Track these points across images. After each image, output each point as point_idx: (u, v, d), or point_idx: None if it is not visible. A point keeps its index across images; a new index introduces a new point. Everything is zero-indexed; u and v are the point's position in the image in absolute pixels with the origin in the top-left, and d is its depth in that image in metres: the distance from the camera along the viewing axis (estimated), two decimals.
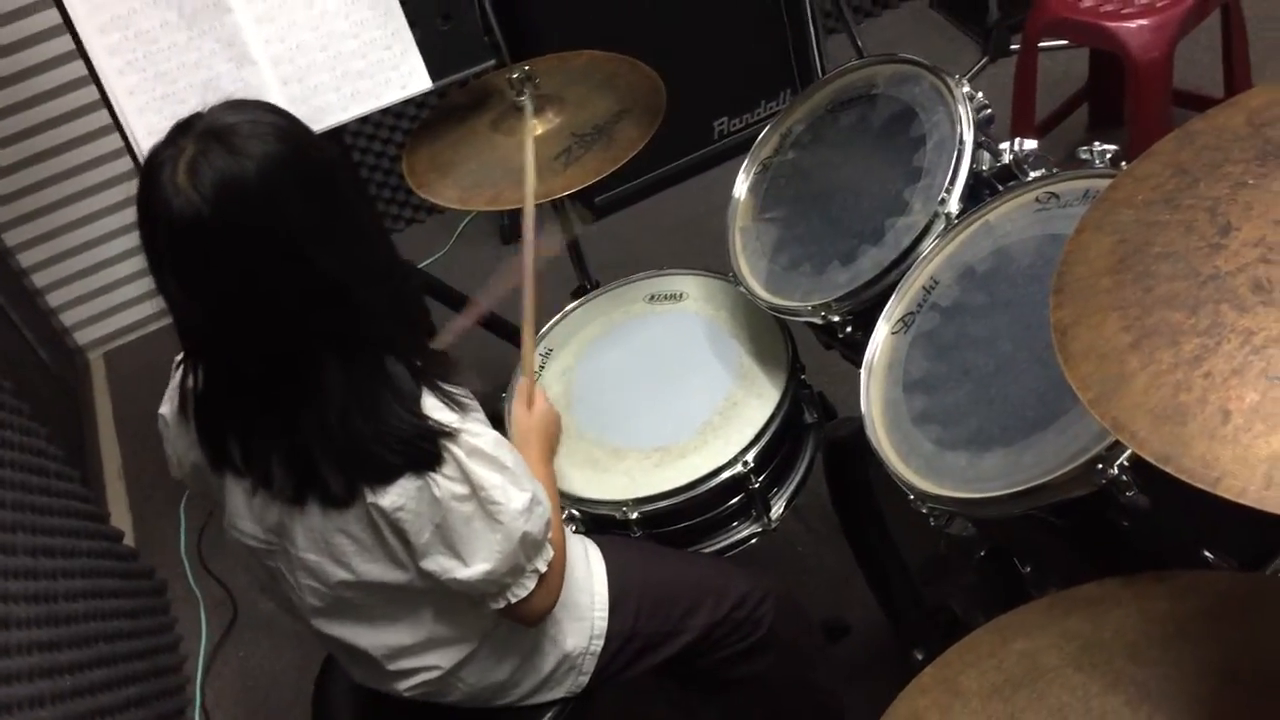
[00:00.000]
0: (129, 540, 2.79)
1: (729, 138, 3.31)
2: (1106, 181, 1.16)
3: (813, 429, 1.83)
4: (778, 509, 1.77)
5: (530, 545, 1.32)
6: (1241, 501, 0.81)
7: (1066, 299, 1.03)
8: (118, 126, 1.92)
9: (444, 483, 1.25)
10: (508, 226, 3.40)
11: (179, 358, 1.37)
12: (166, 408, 1.40)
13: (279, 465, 1.26)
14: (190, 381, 1.29)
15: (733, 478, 1.68)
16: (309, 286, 1.19)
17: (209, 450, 1.31)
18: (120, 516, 2.93)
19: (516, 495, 1.29)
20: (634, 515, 1.68)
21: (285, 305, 1.19)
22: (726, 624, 1.62)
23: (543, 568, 1.36)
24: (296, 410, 1.23)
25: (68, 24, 1.88)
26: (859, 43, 3.33)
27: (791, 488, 1.79)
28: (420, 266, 3.31)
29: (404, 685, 1.46)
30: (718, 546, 1.76)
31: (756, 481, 1.69)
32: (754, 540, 1.78)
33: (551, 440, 1.61)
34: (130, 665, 2.28)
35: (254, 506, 1.34)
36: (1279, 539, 1.24)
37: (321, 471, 1.24)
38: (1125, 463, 1.15)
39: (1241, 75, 2.64)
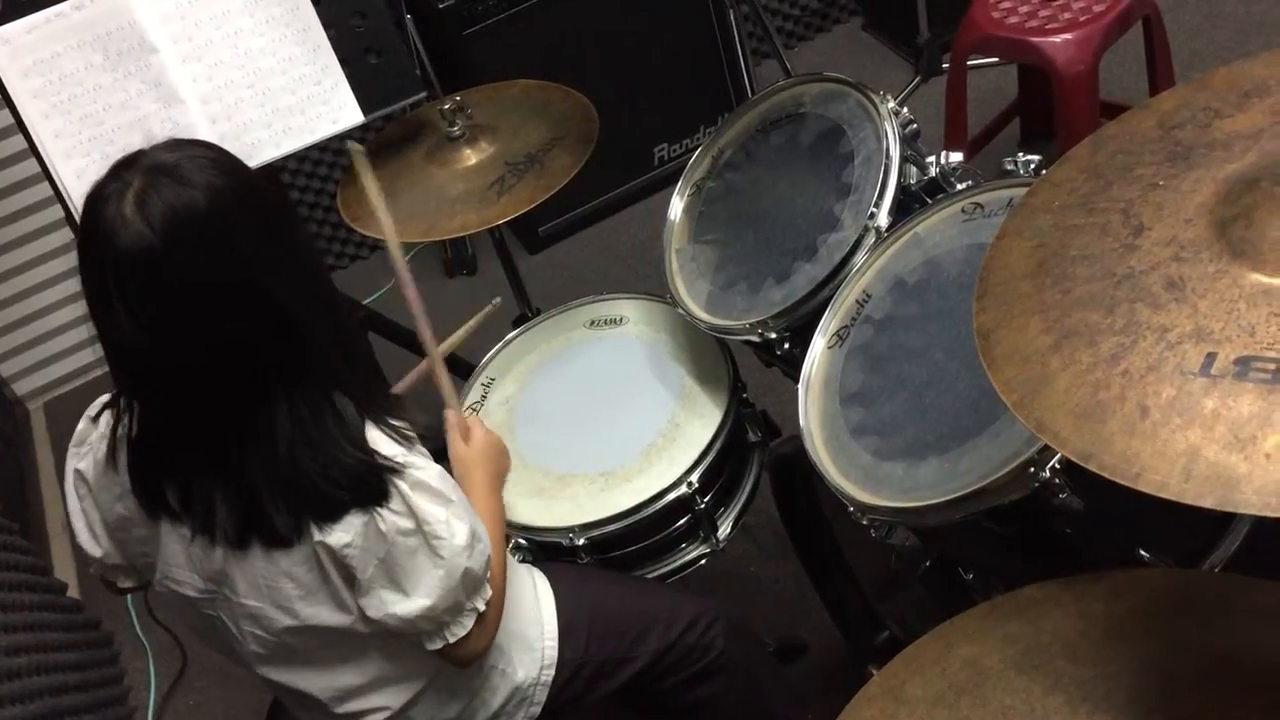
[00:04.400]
0: (73, 592, 2.73)
1: (669, 163, 3.33)
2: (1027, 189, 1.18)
3: (757, 447, 1.83)
4: (725, 529, 1.77)
5: (470, 582, 1.30)
6: (1162, 495, 0.82)
7: (989, 304, 1.04)
8: (45, 173, 1.90)
9: (390, 517, 1.24)
10: (451, 260, 3.39)
11: (93, 410, 1.35)
12: (83, 463, 1.36)
13: (223, 506, 1.24)
14: (121, 426, 1.26)
15: (678, 499, 1.68)
16: (258, 317, 1.18)
17: (144, 497, 1.29)
18: (64, 569, 2.87)
19: (460, 530, 1.27)
20: (581, 541, 1.68)
21: (234, 337, 1.18)
22: (678, 649, 1.61)
23: (481, 607, 1.34)
24: (242, 449, 1.21)
25: None
26: (788, 65, 3.36)
27: (738, 507, 1.79)
28: (364, 303, 3.30)
29: None
30: (667, 569, 1.76)
31: (702, 502, 1.70)
32: (704, 561, 1.78)
33: (496, 468, 1.56)
34: (79, 719, 2.23)
35: (192, 554, 1.31)
36: (1211, 536, 1.26)
37: (267, 511, 1.22)
38: (1057, 465, 1.16)
39: (1165, 86, 2.69)
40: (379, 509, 1.23)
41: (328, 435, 1.22)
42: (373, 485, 1.23)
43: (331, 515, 1.23)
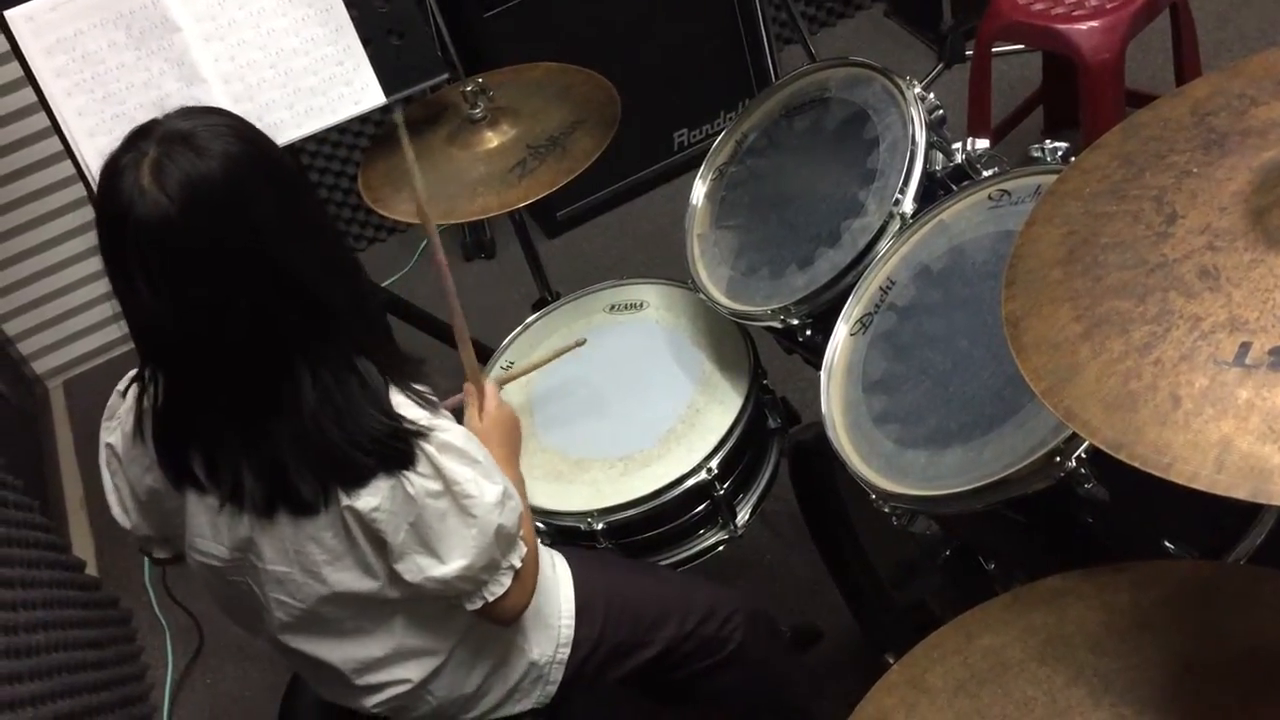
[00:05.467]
0: (91, 570, 2.75)
1: (689, 149, 3.31)
2: (1057, 176, 1.16)
3: (776, 434, 1.83)
4: (744, 516, 1.76)
5: (504, 539, 1.31)
6: (1194, 486, 0.81)
7: (1018, 291, 1.03)
8: (68, 151, 1.90)
9: (417, 480, 1.24)
10: (470, 243, 3.39)
11: (122, 385, 1.35)
12: (114, 436, 1.37)
13: (249, 475, 1.24)
14: (147, 398, 1.26)
15: (697, 485, 1.67)
16: (278, 284, 1.18)
17: (170, 468, 1.29)
18: (83, 546, 2.89)
19: (489, 488, 1.28)
20: (599, 526, 1.67)
21: (255, 305, 1.17)
22: (694, 639, 1.61)
23: (517, 563, 1.34)
24: (266, 417, 1.21)
25: (14, 48, 1.86)
26: (813, 51, 3.34)
27: (757, 494, 1.79)
28: (384, 285, 3.30)
29: (373, 700, 1.44)
30: (685, 555, 1.76)
31: (721, 488, 1.69)
32: (721, 548, 1.78)
33: (511, 441, 1.55)
34: (96, 696, 2.24)
35: (219, 523, 1.31)
36: (1237, 527, 1.24)
37: (293, 479, 1.23)
38: (1083, 455, 1.15)
39: (1192, 74, 2.67)
40: (406, 472, 1.23)
41: (353, 402, 1.22)
42: (398, 449, 1.23)
43: (358, 481, 1.23)
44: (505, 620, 1.40)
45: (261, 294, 1.17)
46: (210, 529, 1.33)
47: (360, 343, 1.26)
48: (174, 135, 1.14)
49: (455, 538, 1.27)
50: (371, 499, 1.23)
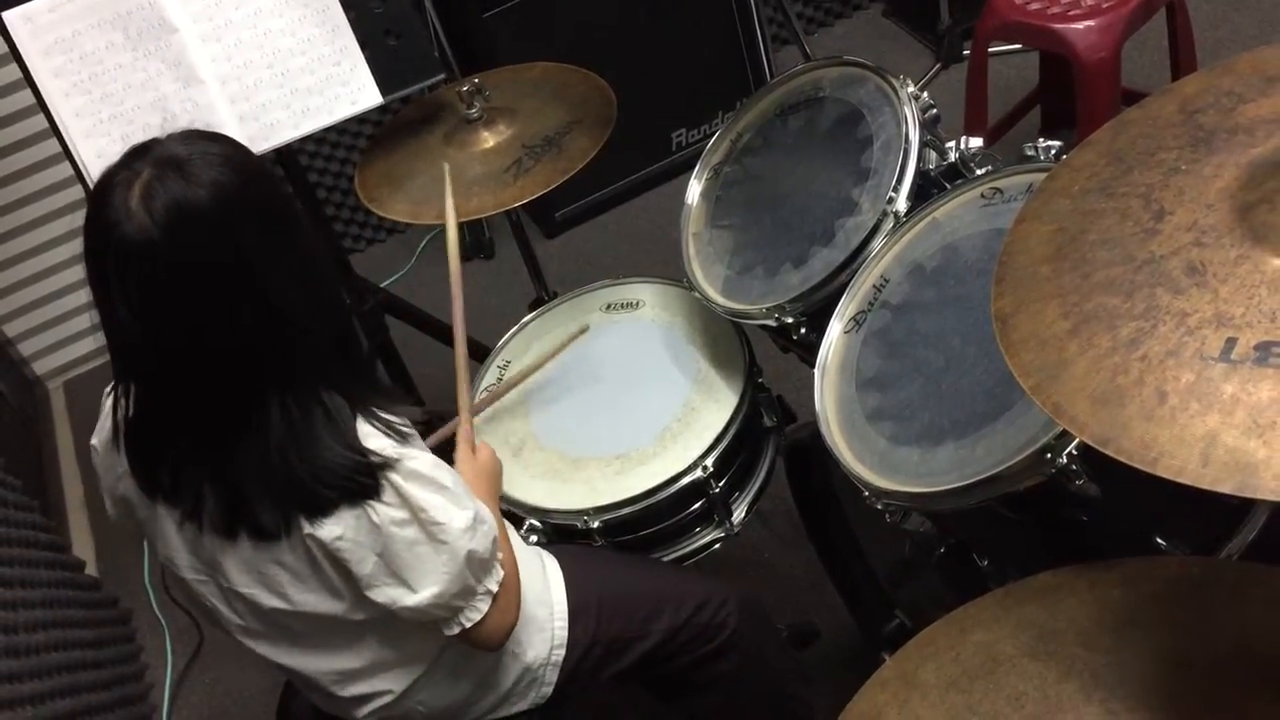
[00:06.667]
0: (91, 570, 2.76)
1: (687, 149, 3.32)
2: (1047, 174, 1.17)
3: (772, 433, 1.83)
4: (739, 514, 1.77)
5: (477, 565, 1.30)
6: (1180, 480, 0.82)
7: (1007, 288, 1.03)
8: (66, 152, 1.91)
9: (382, 509, 1.23)
10: (468, 243, 3.39)
11: (109, 388, 1.36)
12: (97, 439, 1.38)
13: (210, 496, 1.25)
14: (119, 410, 1.27)
15: (693, 483, 1.68)
16: (255, 316, 1.18)
17: (140, 478, 1.29)
18: (82, 546, 2.89)
19: (458, 514, 1.27)
20: (595, 524, 1.68)
21: (229, 334, 1.18)
22: (690, 628, 1.61)
23: (494, 587, 1.33)
24: (232, 442, 1.21)
25: (12, 49, 1.86)
26: (808, 51, 3.35)
27: (753, 492, 1.79)
28: (382, 286, 3.31)
29: (362, 712, 1.45)
30: (681, 553, 1.76)
31: (717, 486, 1.70)
32: (717, 546, 1.78)
33: (495, 484, 1.57)
34: (95, 695, 2.25)
35: (185, 537, 1.32)
36: (1228, 524, 1.25)
37: (254, 505, 1.23)
38: (1073, 451, 1.15)
39: (1188, 73, 2.66)
40: (371, 502, 1.23)
41: (318, 436, 1.22)
42: (362, 483, 1.23)
43: (320, 511, 1.23)
44: (489, 645, 1.39)
45: (237, 324, 1.18)
46: (180, 541, 1.34)
47: (331, 377, 1.25)
48: (168, 159, 1.15)
49: (426, 565, 1.26)
50: (335, 528, 1.23)
